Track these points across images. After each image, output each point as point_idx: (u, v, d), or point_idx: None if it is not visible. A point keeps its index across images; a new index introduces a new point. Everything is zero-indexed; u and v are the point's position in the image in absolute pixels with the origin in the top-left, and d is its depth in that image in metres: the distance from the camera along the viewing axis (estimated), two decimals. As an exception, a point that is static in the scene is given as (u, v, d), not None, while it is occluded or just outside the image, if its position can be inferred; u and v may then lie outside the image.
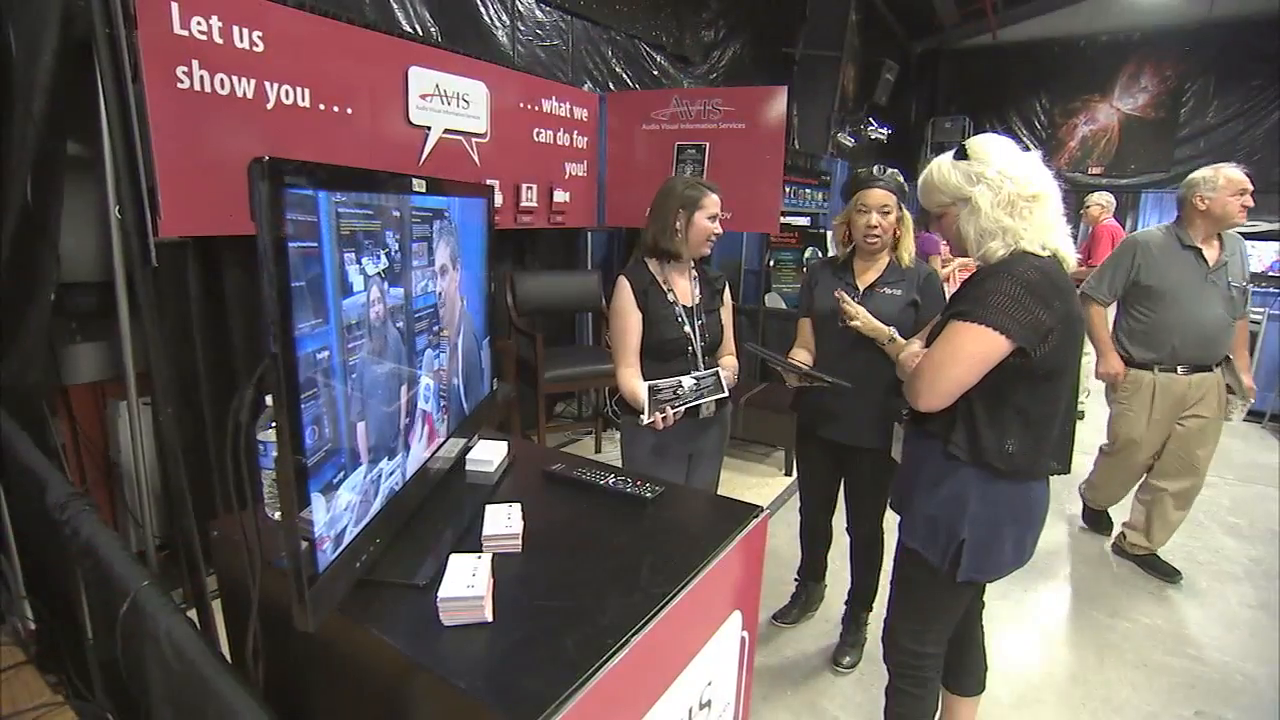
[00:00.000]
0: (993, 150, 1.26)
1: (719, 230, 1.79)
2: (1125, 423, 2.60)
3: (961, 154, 1.27)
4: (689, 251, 1.79)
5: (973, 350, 1.19)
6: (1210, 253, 2.39)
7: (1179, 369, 2.46)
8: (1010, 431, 1.25)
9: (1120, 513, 2.90)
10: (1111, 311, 2.64)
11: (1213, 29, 7.95)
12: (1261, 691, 2.04)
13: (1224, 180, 2.31)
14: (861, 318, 1.73)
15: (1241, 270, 2.44)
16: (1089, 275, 2.60)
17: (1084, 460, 2.85)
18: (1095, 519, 3.08)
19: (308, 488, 0.74)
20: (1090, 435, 4.11)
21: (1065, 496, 3.32)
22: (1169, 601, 2.52)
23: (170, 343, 2.07)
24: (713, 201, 1.76)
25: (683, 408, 1.68)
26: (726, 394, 1.79)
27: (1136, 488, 2.76)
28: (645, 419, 1.62)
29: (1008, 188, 1.22)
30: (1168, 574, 2.65)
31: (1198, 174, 2.38)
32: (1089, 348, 4.02)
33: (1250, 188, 2.32)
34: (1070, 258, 1.26)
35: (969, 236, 1.27)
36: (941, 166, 1.29)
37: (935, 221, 1.37)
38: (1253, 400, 2.54)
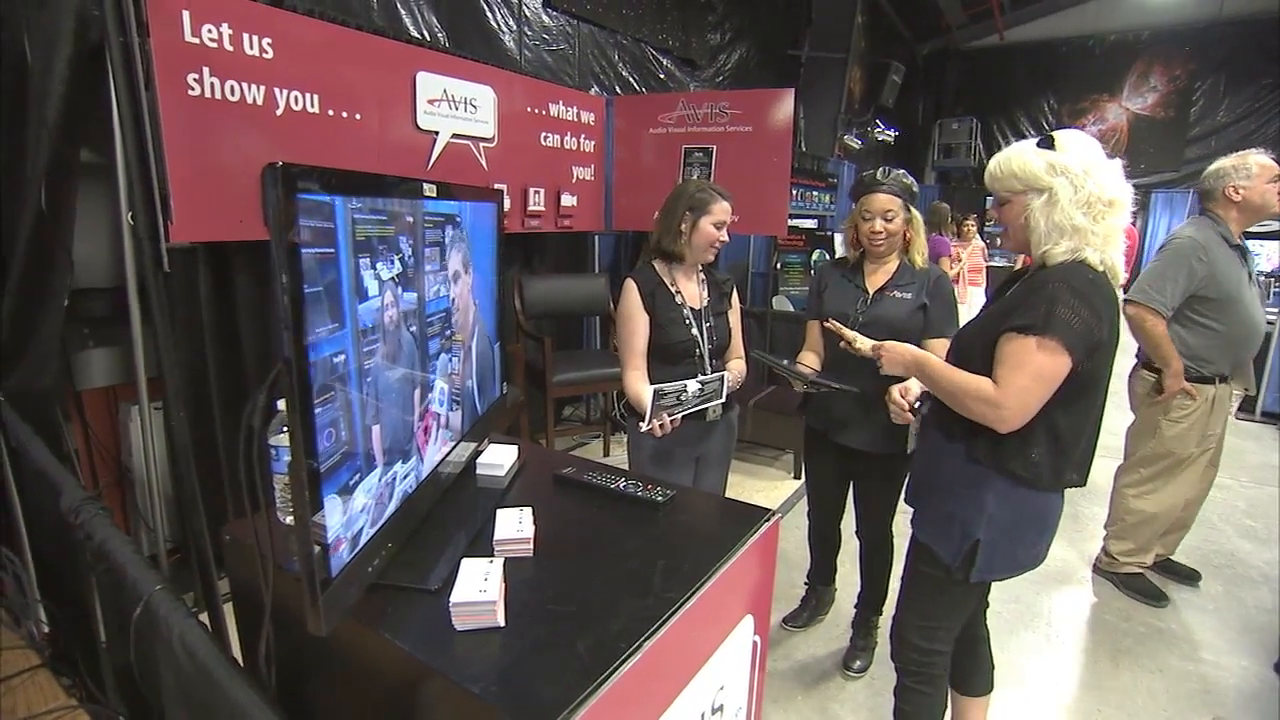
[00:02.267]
0: (1081, 146, 1.22)
1: (724, 238, 1.77)
2: (1180, 442, 2.31)
3: (1048, 143, 1.23)
4: (691, 256, 1.78)
5: (1051, 368, 1.16)
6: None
7: (1237, 378, 2.24)
8: (1037, 442, 1.23)
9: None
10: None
11: (1223, 28, 7.92)
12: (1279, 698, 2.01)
13: (1257, 167, 2.10)
14: (858, 343, 1.68)
15: None
16: (1140, 282, 2.26)
17: (1097, 463, 2.75)
18: (1146, 586, 2.52)
19: (320, 492, 0.74)
20: (1104, 438, 4.09)
21: (1077, 498, 3.30)
22: (1184, 606, 2.49)
23: (182, 347, 2.09)
24: (722, 209, 1.75)
25: (681, 415, 1.66)
26: (724, 400, 1.77)
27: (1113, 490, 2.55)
28: (644, 426, 1.60)
29: (1089, 186, 1.18)
30: (1188, 577, 2.61)
31: (1224, 163, 2.17)
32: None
33: None
34: (1121, 273, 1.23)
35: (1038, 228, 1.22)
36: (1024, 152, 1.25)
37: (997, 207, 1.33)
38: (1250, 391, 2.44)
